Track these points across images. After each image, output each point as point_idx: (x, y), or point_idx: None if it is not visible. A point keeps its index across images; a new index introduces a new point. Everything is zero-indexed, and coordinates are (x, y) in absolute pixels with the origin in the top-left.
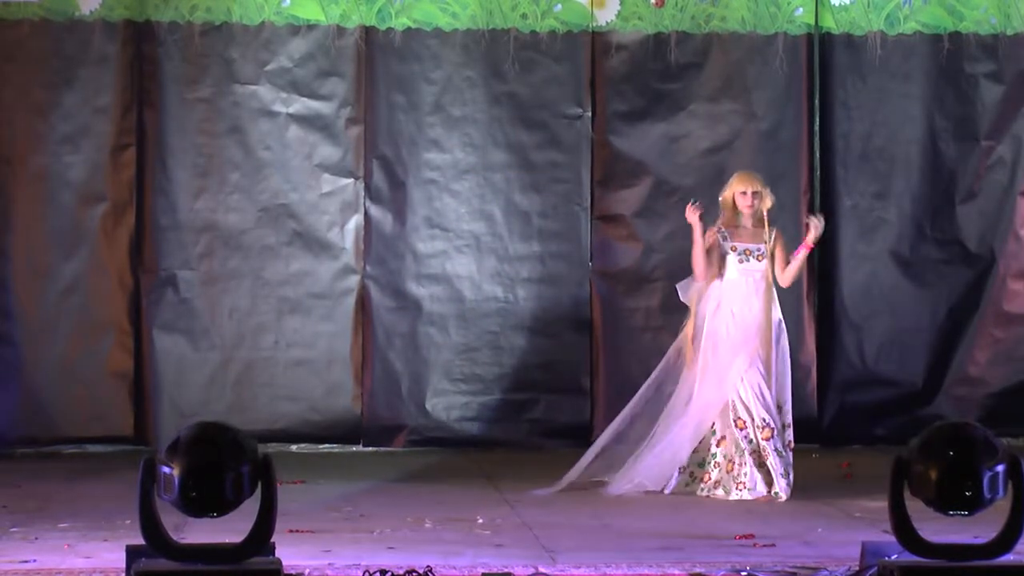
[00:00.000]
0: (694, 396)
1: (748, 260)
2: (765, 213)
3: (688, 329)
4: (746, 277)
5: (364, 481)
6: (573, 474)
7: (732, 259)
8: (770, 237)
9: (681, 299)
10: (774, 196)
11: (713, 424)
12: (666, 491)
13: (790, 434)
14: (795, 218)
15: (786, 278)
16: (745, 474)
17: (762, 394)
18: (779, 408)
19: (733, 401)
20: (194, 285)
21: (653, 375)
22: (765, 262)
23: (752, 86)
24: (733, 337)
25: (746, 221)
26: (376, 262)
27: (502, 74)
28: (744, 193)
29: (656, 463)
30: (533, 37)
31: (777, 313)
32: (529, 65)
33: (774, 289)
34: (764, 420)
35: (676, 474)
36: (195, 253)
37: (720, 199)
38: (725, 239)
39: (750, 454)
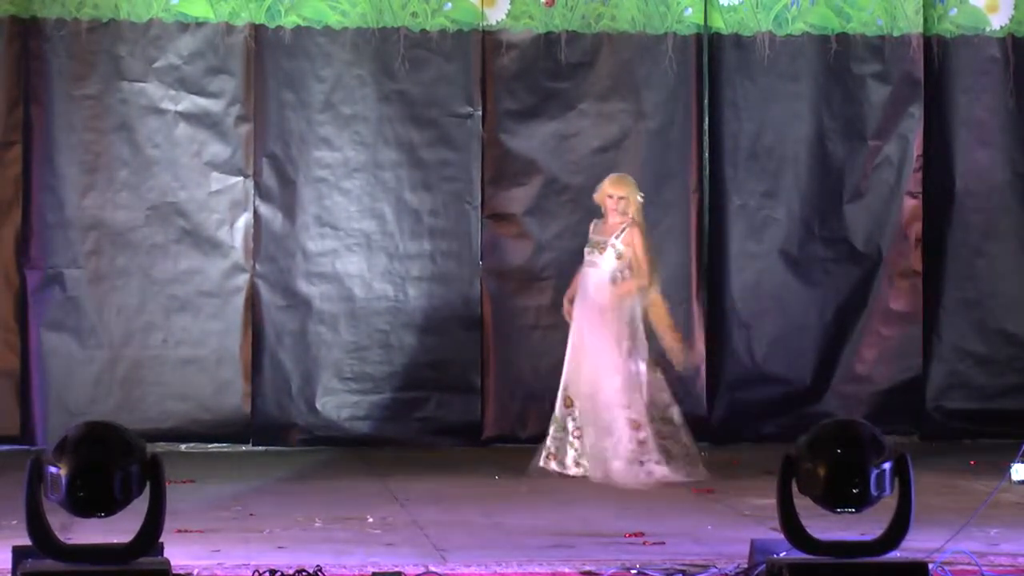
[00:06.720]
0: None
1: (592, 252)
2: (629, 213)
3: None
4: (589, 268)
5: (254, 480)
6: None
7: (585, 249)
8: (620, 234)
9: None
10: (661, 194)
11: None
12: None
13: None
14: (684, 217)
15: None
16: (568, 453)
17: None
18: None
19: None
20: (81, 283)
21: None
22: (606, 255)
23: (642, 85)
24: (580, 321)
25: (614, 217)
26: (266, 260)
27: (392, 72)
28: (611, 196)
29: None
30: (423, 35)
31: (630, 304)
32: (419, 64)
33: (620, 283)
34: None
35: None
36: (83, 251)
37: (594, 196)
38: (593, 231)
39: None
